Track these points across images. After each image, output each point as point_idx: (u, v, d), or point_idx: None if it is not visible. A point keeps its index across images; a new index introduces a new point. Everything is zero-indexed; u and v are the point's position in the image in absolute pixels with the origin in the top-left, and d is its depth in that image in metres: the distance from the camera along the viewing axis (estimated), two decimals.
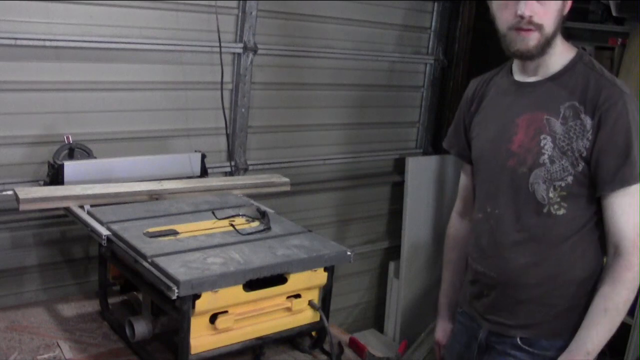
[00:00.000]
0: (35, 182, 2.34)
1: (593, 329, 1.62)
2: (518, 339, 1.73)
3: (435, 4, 3.62)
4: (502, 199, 1.72)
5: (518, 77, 1.77)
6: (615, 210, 1.61)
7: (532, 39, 1.61)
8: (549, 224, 1.67)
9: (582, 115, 1.62)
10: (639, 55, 2.96)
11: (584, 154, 1.61)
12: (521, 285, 1.71)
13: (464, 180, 1.99)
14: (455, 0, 3.67)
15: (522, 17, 1.57)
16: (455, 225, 2.03)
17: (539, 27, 1.60)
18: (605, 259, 1.69)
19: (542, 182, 1.66)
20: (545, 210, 1.67)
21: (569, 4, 1.64)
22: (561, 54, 1.69)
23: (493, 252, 1.75)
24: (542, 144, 1.65)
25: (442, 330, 2.08)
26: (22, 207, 1.98)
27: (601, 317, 1.61)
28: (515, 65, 1.78)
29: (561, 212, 1.66)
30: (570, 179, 1.63)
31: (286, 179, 2.53)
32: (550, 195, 1.65)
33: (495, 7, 1.66)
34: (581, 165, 1.62)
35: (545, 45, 1.63)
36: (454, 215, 2.04)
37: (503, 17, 1.63)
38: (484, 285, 1.79)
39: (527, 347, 1.72)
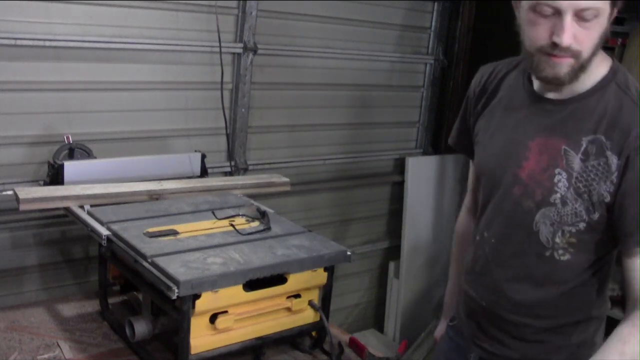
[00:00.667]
0: (35, 182, 2.34)
1: None
2: None
3: (435, 4, 3.62)
4: (500, 229, 1.52)
5: (537, 87, 1.49)
6: (637, 266, 1.37)
7: (565, 66, 1.34)
8: (550, 268, 1.47)
9: (608, 153, 1.36)
10: (639, 55, 2.96)
11: (607, 200, 1.37)
12: (514, 322, 1.54)
13: (472, 176, 1.78)
14: (455, 0, 3.68)
15: (558, 44, 1.31)
16: (464, 221, 1.83)
17: (575, 54, 1.32)
18: (603, 304, 1.56)
19: (549, 224, 1.44)
20: (548, 254, 1.46)
21: (613, 16, 1.34)
22: (593, 70, 1.40)
23: (486, 281, 1.56)
24: (555, 180, 1.41)
25: (442, 330, 1.96)
26: (22, 207, 1.98)
27: (616, 357, 1.34)
28: (530, 67, 1.47)
29: (565, 257, 1.45)
30: (582, 225, 1.41)
31: (286, 179, 2.53)
32: (557, 240, 1.44)
33: (525, 19, 1.36)
34: (597, 213, 1.39)
35: (580, 72, 1.36)
36: (464, 210, 1.85)
37: (533, 35, 1.34)
38: (473, 310, 1.63)
39: None
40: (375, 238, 3.75)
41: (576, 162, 1.40)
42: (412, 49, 3.60)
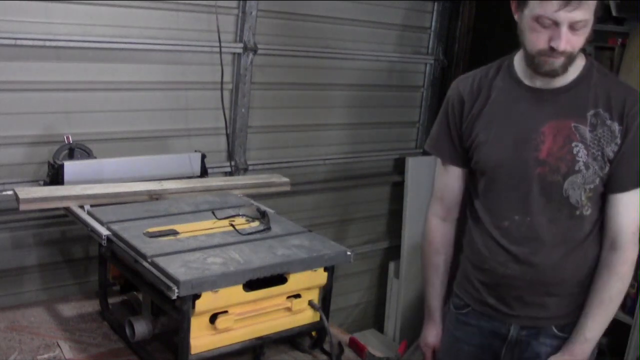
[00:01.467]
0: (35, 182, 2.34)
1: (590, 318, 1.76)
2: (553, 327, 1.82)
3: (435, 4, 3.62)
4: (534, 206, 1.75)
5: (529, 82, 1.76)
6: (620, 207, 1.72)
7: (558, 62, 1.65)
8: (579, 224, 1.75)
9: (609, 122, 1.69)
10: (639, 55, 2.96)
11: (611, 157, 1.70)
12: (552, 282, 1.78)
13: (449, 182, 1.94)
14: (455, 0, 3.68)
15: (555, 49, 1.60)
16: (439, 229, 1.99)
17: (568, 55, 1.63)
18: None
19: (576, 188, 1.72)
20: (578, 212, 1.74)
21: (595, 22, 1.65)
22: (577, 62, 1.71)
23: (527, 256, 1.77)
24: (575, 152, 1.70)
25: (436, 334, 2.06)
26: (22, 207, 1.98)
27: (598, 307, 1.75)
28: (523, 69, 1.77)
29: (588, 212, 1.74)
30: (597, 180, 1.71)
31: (286, 179, 2.53)
32: (583, 198, 1.73)
33: (527, 27, 1.64)
34: (607, 168, 1.70)
35: (569, 65, 1.67)
36: (434, 219, 1.99)
37: (533, 40, 1.63)
38: (511, 286, 1.81)
39: (562, 334, 1.82)
40: (375, 238, 3.75)
41: (587, 133, 1.70)
42: (412, 49, 3.60)
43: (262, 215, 2.06)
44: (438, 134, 1.93)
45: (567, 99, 1.72)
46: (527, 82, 1.76)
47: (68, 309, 2.13)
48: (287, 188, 2.54)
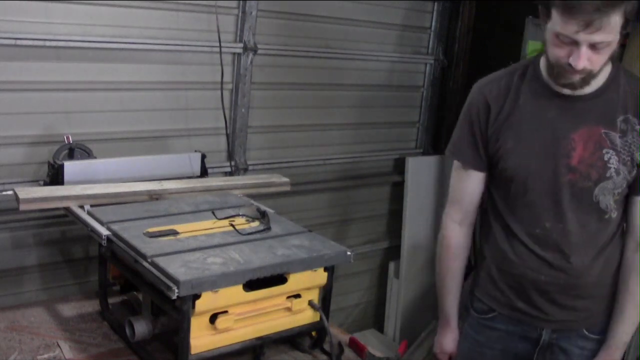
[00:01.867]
0: (35, 182, 2.34)
1: (626, 322, 1.80)
2: (584, 330, 1.84)
3: (435, 4, 3.62)
4: (566, 213, 1.75)
5: (557, 88, 1.74)
6: None
7: (576, 77, 1.64)
8: (606, 227, 1.77)
9: (638, 127, 1.70)
10: (639, 55, 2.96)
11: (638, 161, 1.72)
12: (583, 284, 1.80)
13: (469, 187, 1.90)
14: (455, 0, 3.67)
15: (574, 67, 1.59)
16: (456, 234, 1.96)
17: (587, 72, 1.62)
18: None
19: (607, 194, 1.73)
20: (606, 216, 1.76)
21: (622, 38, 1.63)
22: (603, 69, 1.69)
23: (560, 262, 1.78)
24: (606, 158, 1.70)
25: (453, 340, 2.04)
26: (22, 207, 1.98)
27: (632, 310, 1.79)
28: (549, 74, 1.74)
29: (615, 214, 1.77)
30: (624, 184, 1.73)
31: (286, 179, 2.53)
32: (611, 202, 1.75)
33: (549, 39, 1.63)
34: (634, 171, 1.72)
35: (590, 79, 1.66)
36: (451, 224, 1.96)
37: (555, 53, 1.62)
38: (543, 291, 1.82)
39: (593, 335, 1.85)
40: (375, 238, 3.75)
41: (617, 139, 1.70)
42: (412, 49, 3.60)
43: (262, 215, 2.06)
44: (460, 138, 1.89)
45: (596, 105, 1.71)
46: (555, 87, 1.74)
47: (68, 309, 2.13)
48: (287, 188, 2.54)
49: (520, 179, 1.78)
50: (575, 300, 1.81)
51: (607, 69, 1.71)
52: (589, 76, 1.64)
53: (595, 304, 1.83)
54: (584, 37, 1.54)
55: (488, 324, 1.94)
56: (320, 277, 1.86)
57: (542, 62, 1.76)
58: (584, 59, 1.57)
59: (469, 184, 1.90)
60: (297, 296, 1.85)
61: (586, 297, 1.82)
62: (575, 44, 1.56)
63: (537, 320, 1.86)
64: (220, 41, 2.70)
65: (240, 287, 1.69)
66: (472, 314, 1.99)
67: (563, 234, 1.76)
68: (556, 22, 1.57)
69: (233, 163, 2.92)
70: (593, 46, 1.56)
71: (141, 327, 1.81)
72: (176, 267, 1.63)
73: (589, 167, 1.71)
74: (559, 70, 1.64)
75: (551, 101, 1.74)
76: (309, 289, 1.87)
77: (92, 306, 2.16)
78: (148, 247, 1.75)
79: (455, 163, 1.92)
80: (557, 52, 1.61)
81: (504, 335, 1.92)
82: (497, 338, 1.93)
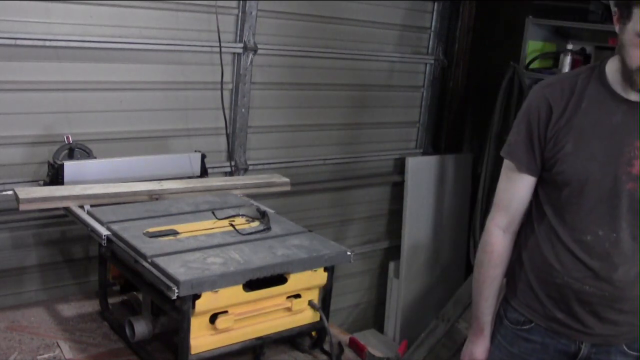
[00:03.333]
0: (35, 182, 2.34)
1: None
2: (624, 346, 1.79)
3: (435, 4, 3.62)
4: (622, 222, 1.70)
5: (623, 93, 1.68)
6: None
7: None
8: None
9: None
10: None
11: None
12: (628, 298, 1.74)
13: (519, 192, 1.83)
14: (455, 0, 3.68)
15: None
16: (500, 241, 1.88)
17: None
18: None
19: None
20: None
21: None
22: None
23: (607, 272, 1.72)
24: None
25: (485, 350, 1.96)
26: (22, 207, 1.98)
27: None
28: (617, 80, 1.68)
29: None
30: None
31: (286, 179, 2.53)
32: None
33: (627, 40, 1.56)
34: None
35: None
36: (496, 230, 1.88)
37: (635, 56, 1.55)
38: (586, 302, 1.77)
39: (633, 352, 1.79)
40: (375, 238, 3.75)
41: None
42: (412, 49, 3.60)
43: (262, 215, 2.06)
44: (516, 140, 1.81)
45: None
46: (621, 93, 1.68)
47: (68, 309, 2.13)
48: (287, 188, 2.53)
49: (576, 184, 1.72)
50: (618, 314, 1.75)
51: None
52: None
53: (637, 319, 1.76)
54: None
55: (523, 335, 1.87)
56: (320, 277, 1.86)
57: (610, 66, 1.71)
58: None
59: (520, 189, 1.83)
60: (297, 296, 1.85)
61: (628, 312, 1.75)
62: None
63: (577, 333, 1.79)
64: (220, 41, 2.70)
65: (240, 287, 1.69)
66: (505, 324, 1.91)
67: (615, 243, 1.70)
68: (638, 21, 1.49)
69: (233, 163, 2.92)
70: None
71: (141, 327, 1.81)
72: (176, 267, 1.63)
73: None
74: (638, 75, 1.56)
75: (616, 107, 1.68)
76: (309, 289, 1.87)
77: (92, 306, 2.16)
78: (148, 247, 1.75)
79: (508, 165, 1.84)
80: (637, 53, 1.53)
81: (539, 348, 1.85)
82: (532, 350, 1.86)
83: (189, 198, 2.24)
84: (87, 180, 2.19)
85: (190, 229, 1.93)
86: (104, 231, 1.88)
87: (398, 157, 3.68)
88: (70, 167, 2.19)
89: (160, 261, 1.66)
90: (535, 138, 1.77)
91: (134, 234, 1.83)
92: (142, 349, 1.86)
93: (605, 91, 1.70)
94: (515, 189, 1.84)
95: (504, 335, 1.92)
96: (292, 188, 2.58)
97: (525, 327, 1.87)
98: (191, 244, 1.82)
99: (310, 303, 1.88)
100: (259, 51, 2.87)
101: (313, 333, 1.97)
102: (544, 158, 1.77)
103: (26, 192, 2.01)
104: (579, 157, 1.71)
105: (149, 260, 1.68)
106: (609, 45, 3.12)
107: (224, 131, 2.85)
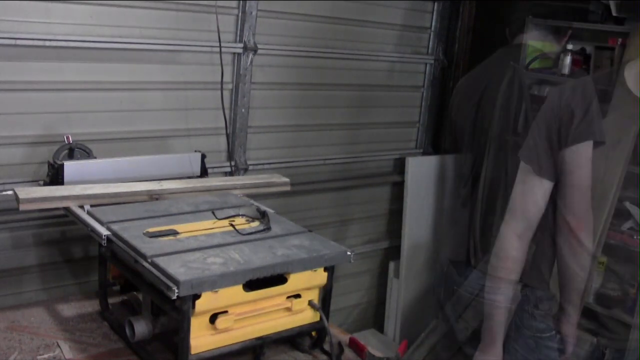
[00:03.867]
0: (35, 182, 2.34)
1: None
2: None
3: (435, 4, 3.62)
4: None
5: None
6: None
7: None
8: None
9: None
10: (639, 56, 2.96)
11: None
12: None
13: (537, 198, 1.80)
14: (455, 0, 3.67)
15: None
16: (515, 248, 1.85)
17: None
18: None
19: None
20: None
21: None
22: None
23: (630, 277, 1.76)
24: None
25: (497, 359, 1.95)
26: (22, 207, 1.98)
27: None
28: (637, 81, 1.68)
29: None
30: None
31: (286, 179, 2.53)
32: None
33: None
34: None
35: None
36: (512, 236, 1.85)
37: None
38: (608, 308, 1.80)
39: None
40: (375, 238, 3.75)
41: None
42: (412, 49, 3.60)
43: (262, 215, 2.06)
44: (536, 144, 1.79)
45: None
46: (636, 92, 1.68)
47: (68, 309, 2.13)
48: (287, 188, 2.53)
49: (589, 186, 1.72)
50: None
51: None
52: None
53: None
54: None
55: (545, 343, 1.87)
56: (320, 277, 1.86)
57: (630, 71, 1.70)
58: None
59: (538, 194, 1.80)
60: (297, 296, 1.85)
61: None
62: None
63: (601, 339, 1.80)
64: (220, 41, 2.70)
65: (240, 287, 1.69)
66: (524, 333, 1.90)
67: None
68: None
69: (233, 163, 2.92)
70: None
71: (141, 327, 1.81)
72: (176, 267, 1.63)
73: None
74: None
75: (637, 113, 1.68)
76: (309, 289, 1.87)
77: (92, 306, 2.15)
78: (148, 247, 1.75)
79: (527, 169, 1.80)
80: None
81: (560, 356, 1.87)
82: (554, 358, 1.86)
83: (189, 198, 2.24)
84: (87, 180, 2.19)
85: (190, 229, 1.93)
86: (104, 231, 1.88)
87: (398, 157, 3.68)
88: (70, 167, 2.19)
89: (160, 261, 1.66)
90: (556, 143, 1.73)
91: (134, 234, 1.83)
92: (142, 349, 1.86)
93: (626, 95, 1.68)
94: (534, 195, 1.79)
95: (522, 346, 1.89)
96: (292, 188, 2.58)
97: (545, 334, 1.85)
98: (191, 244, 1.82)
99: (310, 303, 1.88)
100: (259, 51, 2.87)
101: (313, 333, 1.97)
102: (564, 162, 1.73)
103: (26, 192, 2.01)
104: (600, 164, 1.69)
105: (149, 260, 1.68)
106: (609, 45, 3.13)
107: (224, 131, 2.85)
